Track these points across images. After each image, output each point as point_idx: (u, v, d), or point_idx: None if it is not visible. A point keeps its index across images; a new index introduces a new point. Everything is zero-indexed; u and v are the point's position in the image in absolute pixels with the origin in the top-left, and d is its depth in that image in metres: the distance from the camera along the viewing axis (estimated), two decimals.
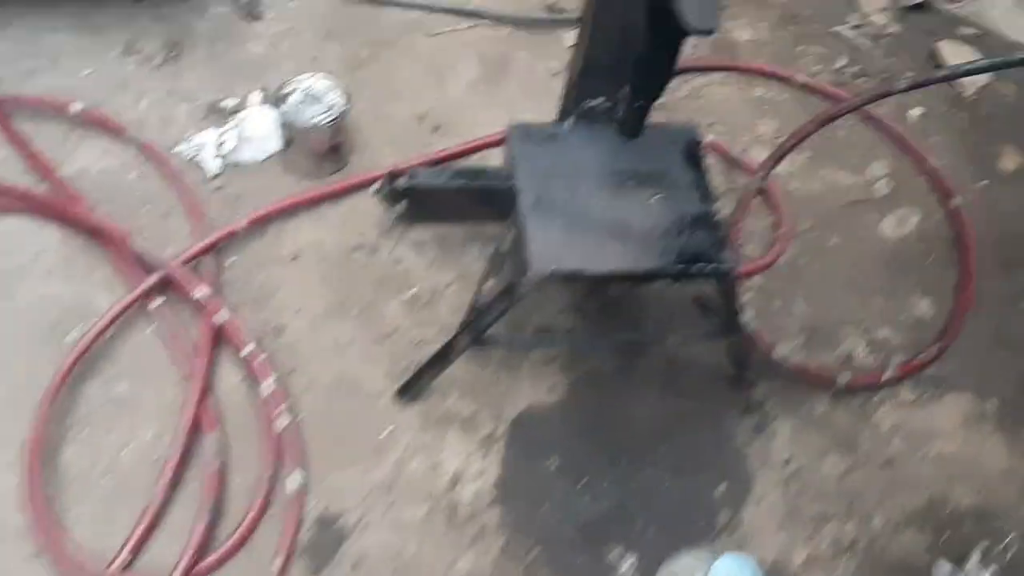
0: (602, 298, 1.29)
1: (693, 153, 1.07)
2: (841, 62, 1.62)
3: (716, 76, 1.57)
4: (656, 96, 0.86)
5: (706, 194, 1.04)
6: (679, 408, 1.23)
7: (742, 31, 1.64)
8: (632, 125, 0.93)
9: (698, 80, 1.56)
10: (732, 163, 1.46)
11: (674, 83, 1.53)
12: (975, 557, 1.17)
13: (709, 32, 0.70)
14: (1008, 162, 1.52)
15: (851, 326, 1.33)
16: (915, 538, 1.18)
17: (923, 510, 1.20)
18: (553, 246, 0.99)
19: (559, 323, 1.27)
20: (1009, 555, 1.18)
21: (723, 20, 1.64)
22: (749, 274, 1.34)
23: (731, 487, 1.18)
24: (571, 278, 0.98)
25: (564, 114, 1.09)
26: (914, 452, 1.24)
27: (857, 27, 1.67)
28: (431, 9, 1.59)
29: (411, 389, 1.18)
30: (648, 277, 1.01)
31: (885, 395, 1.27)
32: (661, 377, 1.25)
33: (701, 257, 0.99)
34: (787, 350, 1.29)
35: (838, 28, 1.67)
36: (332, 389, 1.19)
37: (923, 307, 1.35)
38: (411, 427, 1.18)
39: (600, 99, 1.05)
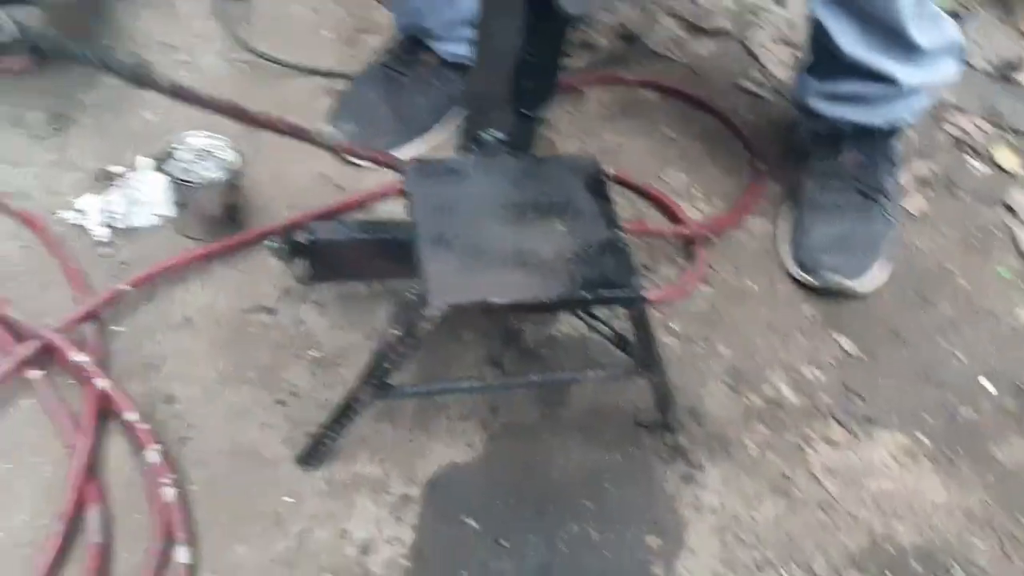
0: (518, 347, 1.24)
1: (596, 182, 1.04)
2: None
3: (625, 126, 1.57)
4: (542, 101, 0.82)
5: (611, 221, 1.00)
6: (604, 459, 1.17)
7: (646, 90, 1.65)
8: (521, 139, 0.89)
9: (608, 137, 1.56)
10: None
11: (582, 139, 1.54)
12: None
13: (582, 17, 0.68)
14: (913, 204, 1.53)
15: (776, 366, 1.29)
16: None
17: (866, 552, 1.13)
18: (453, 280, 0.93)
19: (474, 377, 1.20)
20: None
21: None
22: (665, 300, 1.30)
23: (663, 539, 1.11)
24: (472, 311, 0.92)
25: (462, 148, 1.05)
26: (851, 492, 1.18)
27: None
28: (334, 75, 1.56)
29: (314, 454, 1.09)
30: (555, 306, 0.96)
31: (816, 435, 1.22)
32: (584, 426, 1.19)
33: (608, 283, 0.95)
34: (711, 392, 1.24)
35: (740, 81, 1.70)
36: (227, 458, 1.10)
37: (845, 344, 1.32)
38: (315, 494, 1.08)
39: (496, 130, 1.02)
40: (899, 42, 1.27)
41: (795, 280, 1.39)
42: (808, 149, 1.48)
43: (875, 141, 1.40)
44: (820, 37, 1.33)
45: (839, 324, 1.35)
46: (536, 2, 0.69)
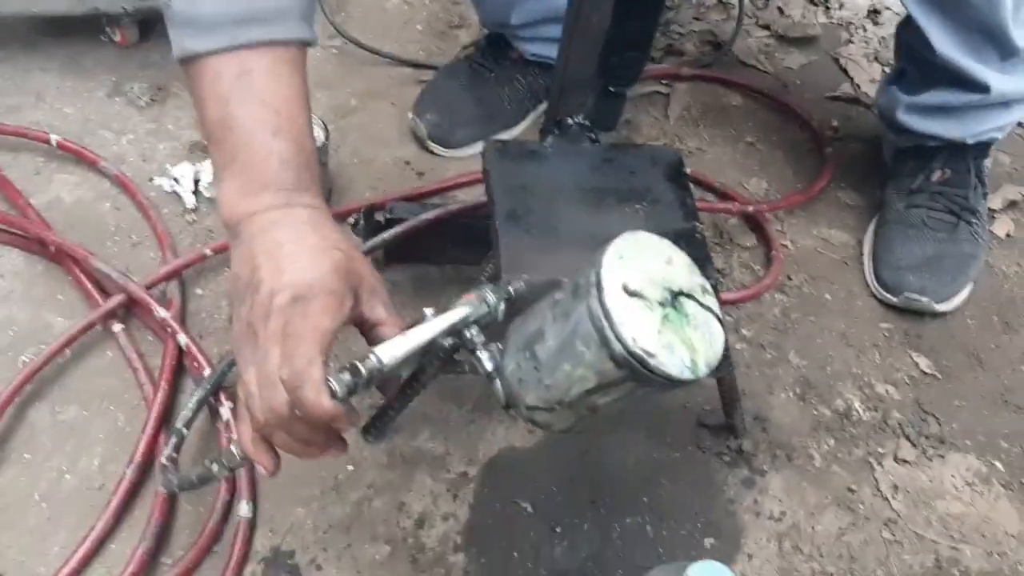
0: None
1: (676, 173, 1.03)
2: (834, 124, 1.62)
3: (708, 132, 1.56)
4: (631, 79, 0.83)
5: (689, 212, 1.00)
6: (664, 456, 1.16)
7: (731, 96, 1.64)
8: (606, 117, 0.89)
9: (691, 142, 1.55)
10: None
11: (665, 142, 1.53)
12: None
13: None
14: (1001, 227, 1.49)
15: (848, 380, 1.26)
16: None
17: (930, 573, 1.10)
18: (527, 257, 0.94)
19: None
20: None
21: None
22: (737, 301, 1.29)
23: (719, 542, 1.09)
24: (545, 290, 0.92)
25: (544, 132, 1.06)
26: (918, 512, 1.15)
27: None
28: (422, 66, 1.59)
29: (378, 425, 1.11)
30: None
31: (885, 452, 1.19)
32: (646, 422, 1.18)
33: None
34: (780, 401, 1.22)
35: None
36: None
37: (921, 363, 1.29)
38: (376, 465, 1.10)
39: (580, 116, 1.03)
40: (996, 44, 1.23)
41: (875, 295, 1.36)
42: (894, 164, 1.45)
43: (964, 158, 1.37)
44: (912, 40, 1.29)
45: (917, 343, 1.31)
46: None
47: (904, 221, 1.37)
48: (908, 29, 1.30)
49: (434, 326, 0.73)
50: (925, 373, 1.28)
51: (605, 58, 0.80)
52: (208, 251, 1.22)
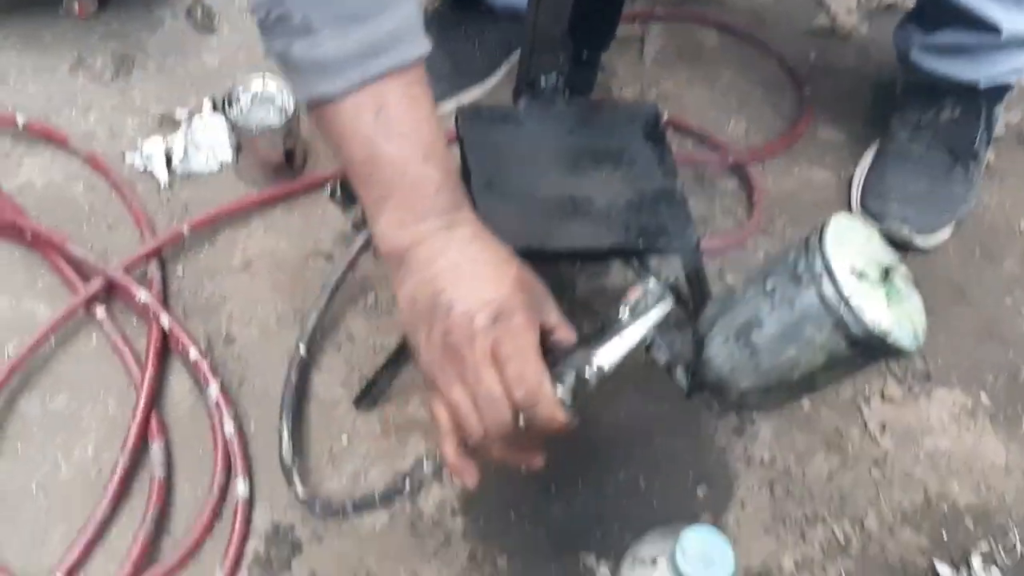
0: (569, 297, 1.23)
1: (654, 129, 1.02)
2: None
3: (684, 74, 1.54)
4: (601, 43, 0.81)
5: (668, 170, 0.99)
6: (655, 410, 1.17)
7: (706, 36, 1.62)
8: (582, 81, 0.88)
9: (667, 85, 1.53)
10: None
11: (641, 86, 1.51)
12: (977, 559, 1.10)
13: None
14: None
15: None
16: (912, 538, 1.10)
17: (919, 509, 1.13)
18: (506, 226, 0.92)
19: None
20: (1014, 556, 1.11)
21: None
22: (721, 249, 1.29)
23: (712, 490, 1.11)
24: (523, 257, 0.92)
25: (517, 95, 1.04)
26: (907, 450, 1.17)
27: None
28: None
29: (369, 396, 1.11)
30: (607, 254, 0.95)
31: (872, 391, 1.21)
32: (635, 377, 1.18)
33: (663, 232, 0.94)
34: None
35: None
36: None
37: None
38: (370, 435, 1.11)
39: (553, 76, 1.01)
40: None
41: None
42: (904, 96, 1.42)
43: (976, 101, 1.34)
44: None
45: None
46: None
47: (902, 153, 1.36)
48: None
49: (639, 327, 0.76)
50: None
51: (575, 24, 0.78)
52: (185, 229, 1.20)
